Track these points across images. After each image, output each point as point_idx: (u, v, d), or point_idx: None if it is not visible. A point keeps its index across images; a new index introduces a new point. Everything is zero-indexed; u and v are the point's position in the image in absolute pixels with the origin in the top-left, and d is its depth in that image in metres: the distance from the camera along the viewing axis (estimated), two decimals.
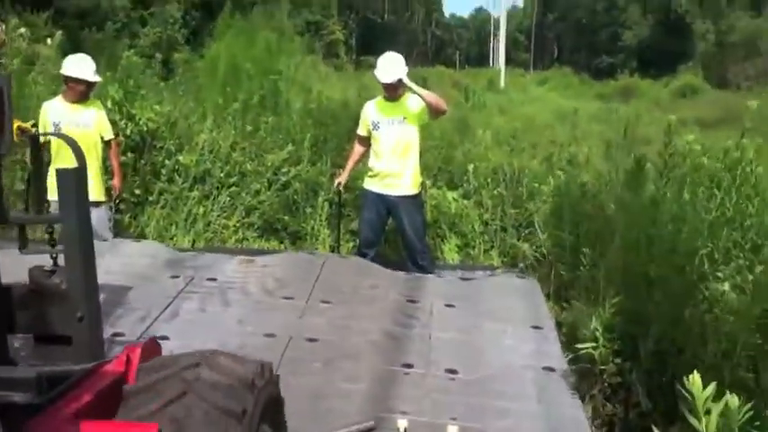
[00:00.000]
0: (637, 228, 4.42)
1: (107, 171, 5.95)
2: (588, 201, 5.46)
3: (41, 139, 3.85)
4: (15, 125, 2.91)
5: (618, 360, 4.19)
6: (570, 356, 4.19)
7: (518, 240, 6.55)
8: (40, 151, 3.21)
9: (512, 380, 3.82)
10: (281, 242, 6.81)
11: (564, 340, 4.41)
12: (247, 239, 6.74)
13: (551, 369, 3.97)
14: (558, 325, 4.65)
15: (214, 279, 4.77)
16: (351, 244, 6.63)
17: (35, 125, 3.54)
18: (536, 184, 6.76)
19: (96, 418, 2.31)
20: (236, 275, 4.87)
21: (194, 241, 6.56)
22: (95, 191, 5.45)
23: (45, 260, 2.84)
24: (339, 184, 5.96)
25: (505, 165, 7.00)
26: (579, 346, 4.19)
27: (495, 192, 6.81)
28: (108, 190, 5.84)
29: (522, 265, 6.22)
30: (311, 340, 4.01)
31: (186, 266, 5.00)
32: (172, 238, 6.52)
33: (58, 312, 2.72)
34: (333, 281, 4.89)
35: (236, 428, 2.24)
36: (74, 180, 2.70)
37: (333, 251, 6.19)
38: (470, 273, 5.95)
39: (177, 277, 4.77)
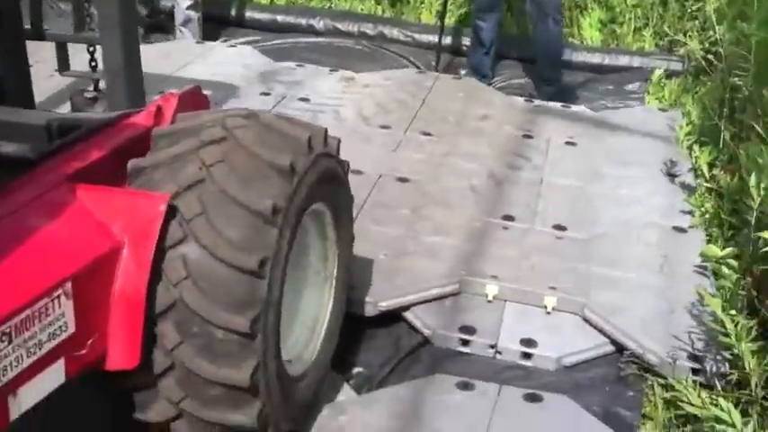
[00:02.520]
0: None
1: None
2: None
3: None
4: None
5: None
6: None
7: (682, 18, 5.50)
8: None
9: (630, 241, 3.38)
10: (379, 3, 6.12)
11: (717, 192, 3.71)
12: None
13: (682, 230, 3.49)
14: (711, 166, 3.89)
15: (307, 99, 4.44)
16: (462, 10, 5.85)
17: None
18: None
19: (107, 179, 2.06)
20: (333, 96, 4.52)
21: None
22: None
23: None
24: None
25: None
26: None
27: None
28: None
29: (682, 54, 5.23)
30: (402, 180, 3.67)
31: (280, 81, 4.67)
32: None
33: None
34: (439, 108, 4.45)
35: (283, 184, 2.03)
36: None
37: (438, 21, 5.46)
38: (611, 56, 5.33)
39: (268, 94, 4.47)
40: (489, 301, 2.97)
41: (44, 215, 1.89)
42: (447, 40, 5.50)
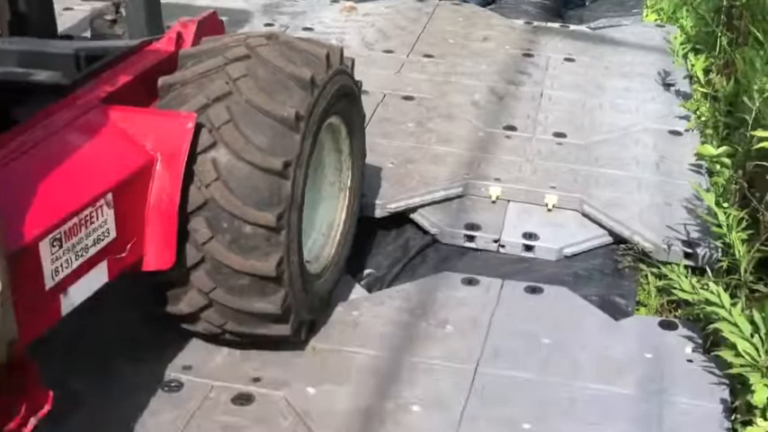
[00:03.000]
0: None
1: None
2: None
3: None
4: None
5: None
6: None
7: None
8: None
9: (627, 145, 3.54)
10: None
11: (713, 96, 3.82)
12: None
13: (678, 133, 3.64)
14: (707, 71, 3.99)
15: (311, 29, 4.57)
16: None
17: None
18: None
19: (136, 101, 2.21)
20: (335, 24, 4.65)
21: None
22: None
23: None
24: None
25: None
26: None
27: None
28: None
29: None
30: (407, 98, 3.81)
31: (283, 12, 4.80)
32: None
33: None
34: (440, 32, 4.58)
35: (304, 95, 2.19)
36: None
37: None
38: None
39: (272, 25, 4.60)
40: (493, 202, 3.14)
41: (82, 135, 2.05)
42: None
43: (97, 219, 1.92)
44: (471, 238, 2.99)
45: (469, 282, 2.78)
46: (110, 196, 1.95)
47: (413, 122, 3.60)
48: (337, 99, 2.40)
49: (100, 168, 2.00)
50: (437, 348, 2.47)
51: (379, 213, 3.02)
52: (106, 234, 1.96)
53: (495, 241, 2.98)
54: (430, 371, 2.38)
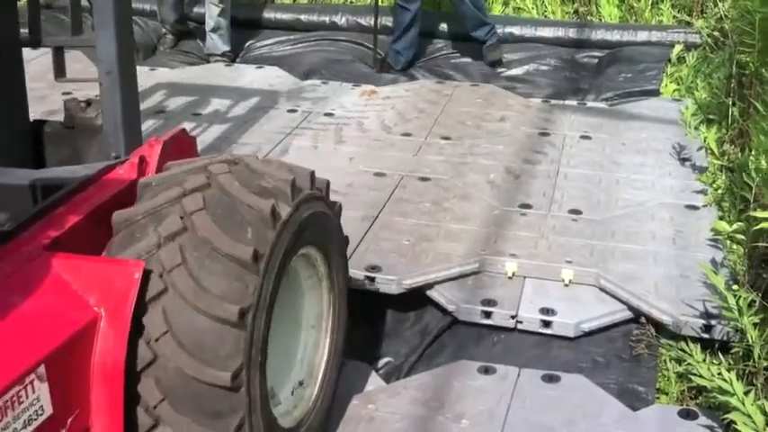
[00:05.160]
0: None
1: None
2: None
3: None
4: None
5: None
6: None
7: None
8: None
9: (644, 219, 3.60)
10: None
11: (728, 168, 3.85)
12: None
13: (695, 207, 3.70)
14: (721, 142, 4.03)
15: (332, 114, 4.73)
16: None
17: None
18: None
19: (88, 242, 2.04)
20: (355, 108, 4.81)
21: None
22: None
23: (93, 89, 2.56)
24: None
25: None
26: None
27: None
28: None
29: (697, 27, 5.39)
30: (423, 179, 3.92)
31: (305, 98, 4.98)
32: None
33: (93, 152, 2.53)
34: (458, 113, 4.72)
35: (265, 231, 2.01)
36: None
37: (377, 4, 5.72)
38: (629, 32, 5.60)
39: (294, 111, 4.77)
40: (509, 278, 3.20)
41: (18, 293, 1.85)
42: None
43: (27, 397, 1.70)
44: (488, 315, 3.04)
45: (486, 370, 2.82)
46: (42, 369, 1.73)
47: (429, 202, 3.70)
48: (308, 228, 2.20)
49: (32, 336, 1.78)
50: None
51: (395, 290, 3.10)
52: (39, 412, 1.73)
53: (513, 317, 3.03)
54: None
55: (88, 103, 2.59)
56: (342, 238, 2.50)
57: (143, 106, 4.68)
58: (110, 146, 2.49)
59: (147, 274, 1.91)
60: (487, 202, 3.72)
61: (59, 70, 2.70)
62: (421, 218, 3.56)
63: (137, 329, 1.90)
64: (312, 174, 2.27)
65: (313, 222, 2.23)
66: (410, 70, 5.70)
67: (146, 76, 5.24)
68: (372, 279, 3.11)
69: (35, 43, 2.57)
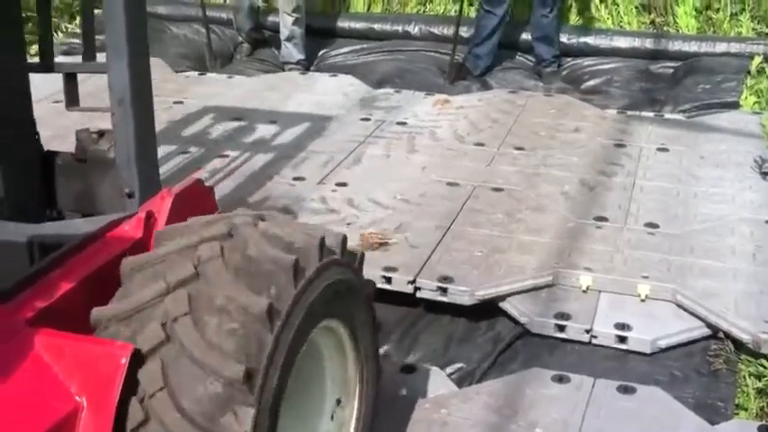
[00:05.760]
0: None
1: None
2: None
3: None
4: None
5: None
6: None
7: None
8: None
9: (723, 234, 3.52)
10: (471, 4, 6.28)
11: None
12: None
13: None
14: None
15: (404, 123, 4.76)
16: None
17: None
18: None
19: (84, 310, 1.80)
20: (428, 118, 4.82)
21: None
22: None
23: (105, 120, 2.35)
24: None
25: None
26: None
27: None
28: None
29: None
30: (496, 190, 3.91)
31: (378, 107, 5.01)
32: None
33: (105, 186, 2.35)
34: (531, 123, 4.70)
35: (260, 336, 1.72)
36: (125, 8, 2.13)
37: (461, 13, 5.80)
38: (707, 44, 5.53)
39: (367, 120, 4.80)
40: (583, 292, 3.17)
41: None
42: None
43: None
44: (562, 328, 3.02)
45: (560, 379, 2.78)
46: None
47: (502, 213, 3.69)
48: (334, 298, 1.94)
49: (5, 429, 1.59)
50: None
51: (467, 301, 3.10)
52: None
53: (587, 331, 3.00)
54: None
55: (101, 134, 2.40)
56: (374, 321, 2.20)
57: (220, 113, 4.80)
58: (123, 180, 2.28)
59: (137, 356, 1.69)
60: (561, 213, 3.69)
61: (71, 99, 2.51)
62: (494, 229, 3.55)
63: (125, 413, 1.68)
64: (344, 238, 2.01)
65: (340, 291, 1.98)
66: (484, 77, 5.71)
67: (223, 83, 5.37)
68: (445, 290, 3.12)
69: (46, 70, 2.41)
